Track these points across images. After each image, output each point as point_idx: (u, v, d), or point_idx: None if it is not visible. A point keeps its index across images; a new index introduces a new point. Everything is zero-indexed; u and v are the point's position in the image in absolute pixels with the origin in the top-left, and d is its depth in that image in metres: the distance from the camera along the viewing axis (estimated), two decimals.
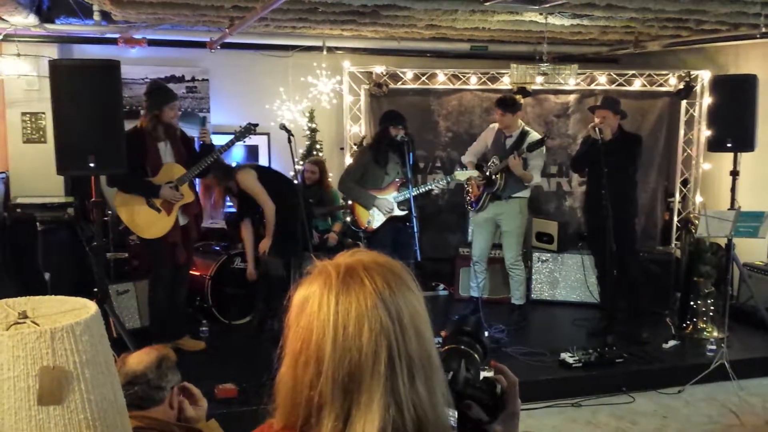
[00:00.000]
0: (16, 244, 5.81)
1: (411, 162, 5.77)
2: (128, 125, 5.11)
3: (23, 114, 7.15)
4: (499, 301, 7.01)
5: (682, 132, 7.78)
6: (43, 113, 7.05)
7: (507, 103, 6.29)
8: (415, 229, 5.55)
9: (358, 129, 7.74)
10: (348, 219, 6.37)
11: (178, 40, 7.25)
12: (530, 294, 7.25)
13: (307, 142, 7.69)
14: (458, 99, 7.77)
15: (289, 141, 5.59)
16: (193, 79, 7.66)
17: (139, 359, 2.47)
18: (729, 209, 6.01)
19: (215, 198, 5.90)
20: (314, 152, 7.63)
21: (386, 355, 1.11)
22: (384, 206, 5.99)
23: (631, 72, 7.76)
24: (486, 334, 5.75)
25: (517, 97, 6.48)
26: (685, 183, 7.86)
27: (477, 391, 1.27)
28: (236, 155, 7.37)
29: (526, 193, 6.35)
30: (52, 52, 6.92)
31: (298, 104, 7.84)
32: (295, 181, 6.25)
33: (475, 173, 6.19)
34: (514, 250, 6.44)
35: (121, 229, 6.08)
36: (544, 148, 6.27)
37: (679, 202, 7.88)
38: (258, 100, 7.69)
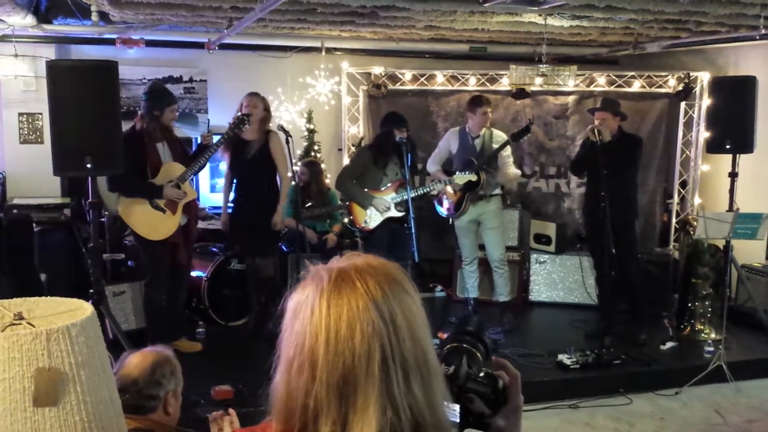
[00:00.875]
0: (13, 244, 5.80)
1: (410, 163, 5.77)
2: (125, 126, 5.10)
3: (20, 114, 7.13)
4: (490, 302, 7.02)
5: (680, 133, 7.78)
6: (40, 114, 7.04)
7: (477, 100, 6.31)
8: (413, 231, 5.55)
9: (357, 130, 7.74)
10: (346, 220, 6.37)
11: (176, 40, 7.25)
12: (528, 295, 7.26)
13: (306, 143, 7.68)
14: (457, 100, 7.77)
15: (287, 142, 5.60)
16: (191, 80, 7.66)
17: (135, 364, 2.45)
18: (727, 211, 6.02)
19: None
20: (312, 153, 7.62)
21: (380, 357, 1.10)
22: (381, 206, 6.00)
23: (630, 73, 7.76)
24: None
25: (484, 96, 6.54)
26: (683, 184, 7.86)
27: (479, 386, 1.28)
28: None
29: (500, 190, 6.48)
30: (50, 52, 6.90)
31: (296, 105, 7.84)
32: (293, 183, 6.26)
33: (474, 177, 6.18)
34: (501, 248, 6.48)
35: (118, 230, 6.06)
36: (504, 140, 6.34)
37: (678, 203, 7.88)
38: None
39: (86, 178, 4.84)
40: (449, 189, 6.31)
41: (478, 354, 1.33)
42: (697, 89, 7.64)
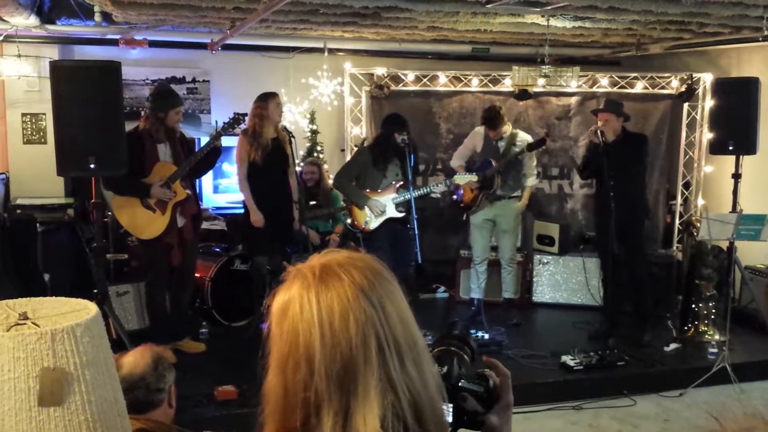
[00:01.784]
0: (16, 245, 5.81)
1: (412, 164, 5.76)
2: (129, 126, 5.11)
3: (24, 115, 7.14)
4: (497, 303, 7.02)
5: (683, 134, 7.77)
6: (44, 114, 7.05)
7: (494, 119, 6.39)
8: (416, 231, 5.55)
9: (359, 131, 7.74)
10: (348, 221, 6.37)
11: (179, 41, 7.26)
12: (531, 296, 7.26)
13: (308, 144, 7.68)
14: (459, 101, 7.77)
15: (290, 143, 5.60)
16: (193, 81, 7.66)
17: (135, 362, 2.45)
18: (731, 212, 6.00)
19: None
20: (315, 154, 7.63)
21: (375, 343, 1.12)
22: (376, 207, 5.99)
23: (633, 74, 7.75)
24: (487, 336, 5.77)
25: (497, 105, 6.60)
26: (686, 186, 7.85)
27: (471, 384, 1.32)
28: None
29: (519, 192, 6.58)
30: (53, 53, 6.91)
31: (299, 106, 7.84)
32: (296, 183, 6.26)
33: (474, 178, 6.21)
34: (513, 248, 6.69)
35: (122, 232, 6.07)
36: (526, 141, 6.50)
37: (681, 204, 7.87)
38: None
39: (89, 178, 4.85)
40: (466, 187, 6.38)
41: (466, 356, 1.37)
42: (700, 90, 7.63)
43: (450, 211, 7.44)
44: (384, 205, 6.01)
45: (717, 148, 6.38)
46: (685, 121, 7.78)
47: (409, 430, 1.13)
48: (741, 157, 6.25)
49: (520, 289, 7.03)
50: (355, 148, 7.50)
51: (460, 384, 1.31)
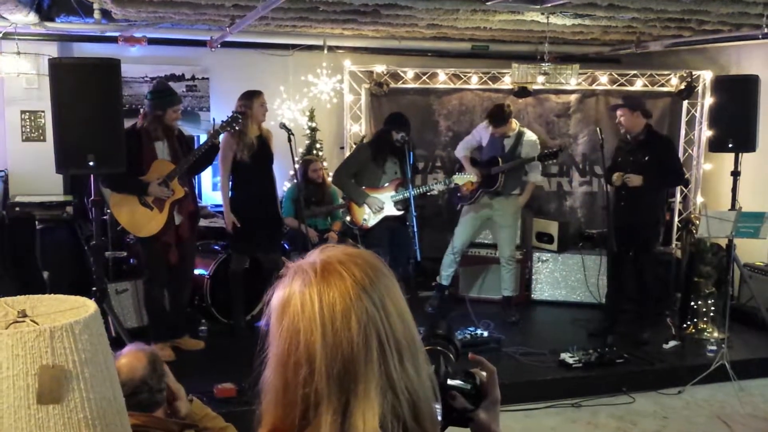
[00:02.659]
0: (15, 242, 5.80)
1: (411, 161, 5.77)
2: (128, 124, 5.11)
3: (23, 112, 7.14)
4: (495, 301, 7.05)
5: (683, 132, 7.77)
6: (43, 112, 7.04)
7: (499, 117, 6.35)
8: (415, 229, 5.55)
9: (359, 128, 7.74)
10: (348, 218, 6.37)
11: (178, 38, 7.24)
12: (530, 294, 7.26)
13: (307, 141, 7.68)
14: (459, 98, 7.76)
15: (289, 140, 5.60)
16: (193, 78, 7.65)
17: (132, 366, 2.45)
18: (730, 210, 6.01)
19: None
20: (314, 151, 7.62)
21: (377, 342, 1.11)
22: (374, 204, 5.99)
23: (632, 72, 7.76)
24: (486, 333, 5.77)
25: (507, 103, 6.56)
26: (686, 183, 7.85)
27: (459, 382, 1.33)
28: None
29: (518, 190, 6.60)
30: (52, 50, 6.90)
31: (298, 103, 7.83)
32: (295, 180, 6.27)
33: (474, 178, 6.21)
34: (512, 246, 6.67)
35: (119, 230, 6.07)
36: (538, 145, 6.54)
37: (680, 202, 7.88)
38: None
39: (88, 175, 4.85)
40: (467, 183, 6.35)
41: (451, 355, 1.39)
42: (700, 88, 7.63)
43: (448, 203, 7.45)
44: (382, 203, 6.01)
45: (716, 145, 6.38)
46: (684, 119, 7.78)
47: (408, 430, 1.13)
48: (740, 154, 6.26)
49: (518, 287, 7.02)
50: (355, 146, 7.51)
51: (448, 382, 1.32)
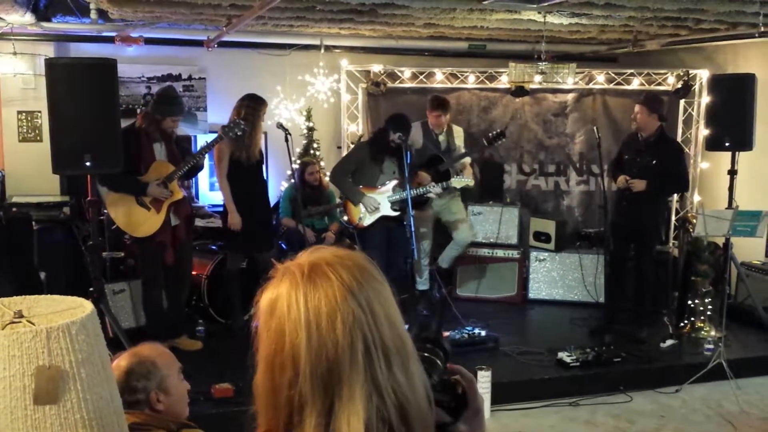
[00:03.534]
0: (12, 243, 5.80)
1: (408, 161, 5.76)
2: (125, 124, 5.10)
3: (19, 113, 7.12)
4: (487, 299, 7.08)
5: (680, 131, 7.78)
6: (39, 112, 7.03)
7: (446, 104, 6.59)
8: (412, 229, 5.55)
9: (356, 128, 7.74)
10: (345, 218, 6.37)
11: (175, 38, 7.23)
12: (527, 293, 7.27)
13: (305, 141, 7.67)
14: (456, 98, 7.76)
15: (287, 140, 5.59)
16: (190, 78, 7.65)
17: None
18: (727, 208, 6.02)
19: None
20: (311, 151, 7.62)
21: (362, 345, 1.11)
22: (370, 204, 5.99)
23: (629, 71, 7.76)
24: (484, 333, 5.77)
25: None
26: (687, 190, 7.85)
27: (438, 395, 1.28)
28: None
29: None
30: (49, 50, 6.90)
31: (295, 103, 7.83)
32: (292, 180, 6.27)
33: (471, 182, 6.21)
34: (470, 228, 6.88)
35: (114, 229, 6.06)
36: (462, 134, 6.84)
37: (677, 201, 7.89)
38: None
39: (85, 176, 4.84)
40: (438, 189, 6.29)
41: (438, 361, 1.33)
42: (696, 87, 7.64)
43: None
44: (378, 203, 6.01)
45: (713, 144, 6.39)
46: (681, 118, 7.79)
47: None
48: (737, 153, 6.26)
49: (515, 286, 6.98)
50: (352, 146, 7.51)
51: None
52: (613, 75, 7.76)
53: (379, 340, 1.12)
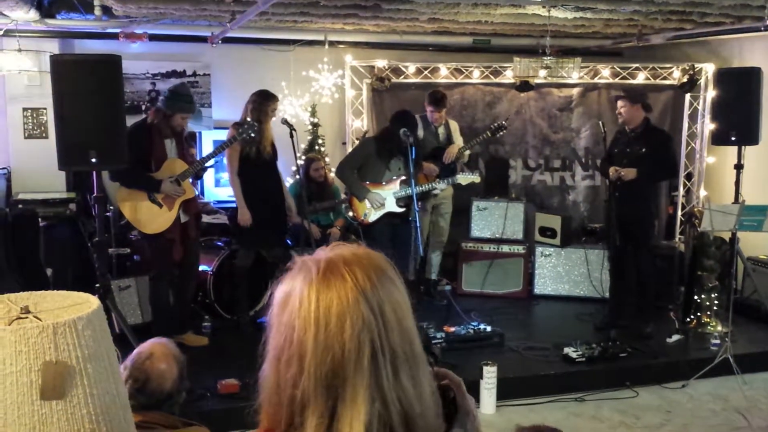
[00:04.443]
0: (18, 240, 5.80)
1: (413, 156, 5.75)
2: (130, 120, 5.12)
3: (24, 110, 7.13)
4: (494, 295, 7.09)
5: (685, 125, 7.76)
6: (45, 109, 7.03)
7: (441, 100, 6.67)
8: (418, 225, 5.55)
9: (361, 123, 7.73)
10: (351, 214, 6.37)
11: (179, 34, 7.24)
12: (533, 288, 7.26)
13: (309, 137, 7.67)
14: (461, 93, 7.75)
15: (291, 136, 5.59)
16: (194, 74, 7.65)
17: (162, 375, 2.42)
18: (733, 203, 5.99)
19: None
20: (316, 147, 7.62)
21: (369, 350, 1.10)
22: (375, 200, 6.00)
23: (634, 65, 7.74)
24: (489, 329, 5.77)
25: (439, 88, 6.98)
26: (689, 177, 7.84)
27: None
28: None
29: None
30: (53, 47, 6.90)
31: (299, 99, 7.82)
32: (297, 176, 6.27)
33: (477, 179, 6.21)
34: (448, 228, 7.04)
35: (123, 224, 6.07)
36: (457, 128, 6.97)
37: (683, 195, 7.86)
38: None
39: (91, 172, 4.85)
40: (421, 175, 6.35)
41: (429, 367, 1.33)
42: (702, 81, 7.62)
43: (453, 203, 7.46)
44: (383, 199, 6.01)
45: (719, 138, 6.37)
46: (687, 112, 7.76)
47: None
48: (743, 147, 6.24)
49: (521, 282, 6.99)
50: (357, 141, 7.50)
51: None
52: (618, 69, 7.73)
53: (388, 346, 1.11)
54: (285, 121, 5.71)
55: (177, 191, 5.35)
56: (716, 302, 6.16)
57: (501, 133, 6.77)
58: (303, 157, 7.09)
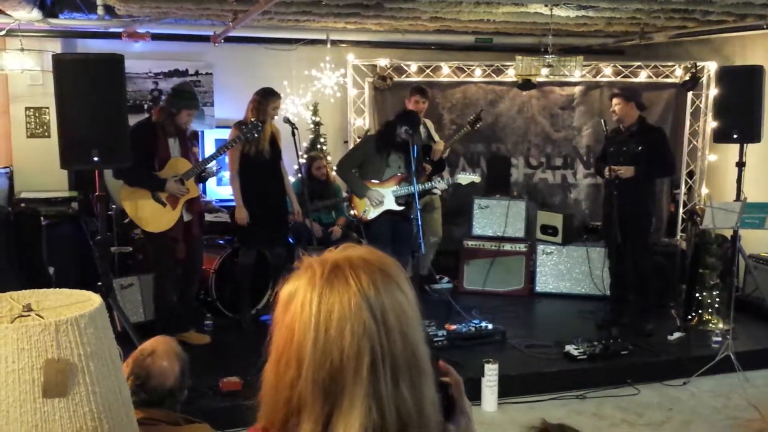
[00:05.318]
0: (21, 238, 5.82)
1: (415, 155, 5.75)
2: (132, 120, 5.12)
3: (27, 109, 7.14)
4: (495, 293, 7.09)
5: (688, 123, 7.74)
6: (47, 108, 7.05)
7: (426, 90, 6.79)
8: (419, 222, 5.55)
9: (362, 122, 7.73)
10: (353, 212, 6.37)
11: (181, 34, 7.24)
12: (535, 286, 7.26)
13: (311, 136, 7.68)
14: (463, 92, 7.75)
15: (293, 134, 5.60)
16: (196, 73, 7.66)
17: (164, 373, 2.43)
18: (735, 201, 5.99)
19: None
20: (318, 146, 7.63)
21: (369, 358, 1.08)
22: (374, 198, 5.99)
23: (636, 63, 7.73)
24: (491, 326, 5.77)
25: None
26: (690, 174, 7.83)
27: None
28: None
29: None
30: (56, 46, 6.91)
31: (302, 98, 7.83)
32: (299, 175, 6.28)
33: (477, 179, 6.20)
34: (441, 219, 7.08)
35: (125, 223, 6.09)
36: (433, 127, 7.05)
37: (685, 193, 7.85)
38: None
39: (93, 171, 4.86)
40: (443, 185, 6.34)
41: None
42: (704, 79, 7.60)
43: (454, 201, 7.47)
44: (383, 196, 6.00)
45: (721, 136, 6.36)
46: (689, 110, 7.75)
47: None
48: (745, 145, 6.23)
49: (522, 280, 6.99)
50: (359, 140, 7.50)
51: None
52: (620, 68, 7.72)
53: (389, 355, 1.09)
54: (287, 120, 5.72)
55: (181, 190, 5.36)
56: (718, 300, 6.16)
57: (479, 125, 6.82)
58: (305, 156, 7.10)
